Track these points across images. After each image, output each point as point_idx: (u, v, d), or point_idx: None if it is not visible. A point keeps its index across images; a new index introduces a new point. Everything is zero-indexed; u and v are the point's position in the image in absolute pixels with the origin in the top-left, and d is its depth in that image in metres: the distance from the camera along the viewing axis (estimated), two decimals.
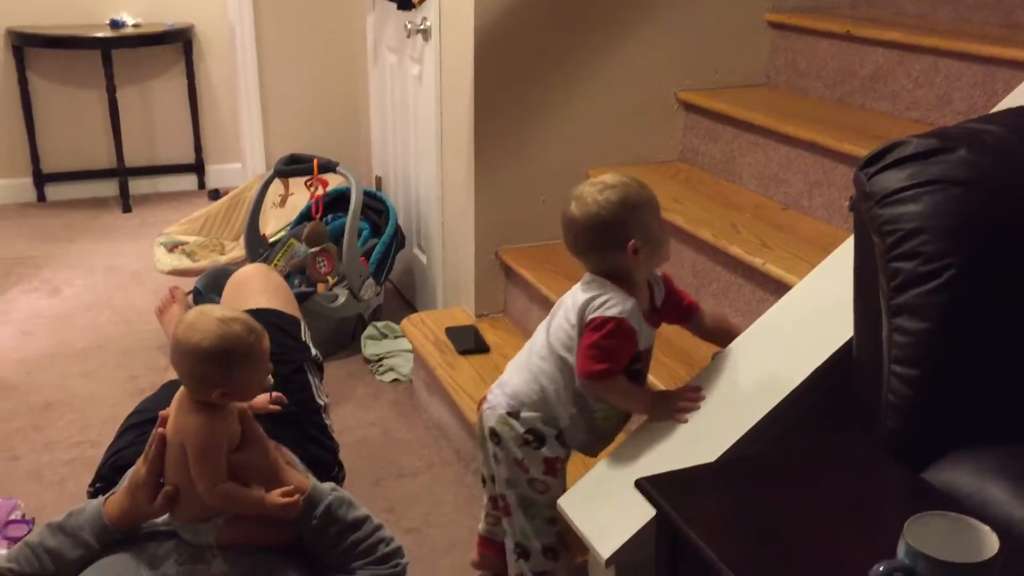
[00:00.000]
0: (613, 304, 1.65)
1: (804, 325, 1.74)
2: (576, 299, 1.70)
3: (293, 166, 3.18)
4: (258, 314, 2.30)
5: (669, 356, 2.21)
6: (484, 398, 1.83)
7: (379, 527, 1.71)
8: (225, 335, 1.51)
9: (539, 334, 1.78)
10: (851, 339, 1.59)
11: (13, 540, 2.11)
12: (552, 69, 2.70)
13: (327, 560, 1.67)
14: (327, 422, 2.22)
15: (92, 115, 4.67)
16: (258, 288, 2.40)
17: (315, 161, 3.12)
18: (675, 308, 1.82)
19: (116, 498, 1.64)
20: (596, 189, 1.65)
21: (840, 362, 1.61)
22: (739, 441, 1.56)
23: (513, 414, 1.76)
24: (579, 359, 1.67)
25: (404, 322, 2.88)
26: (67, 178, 4.76)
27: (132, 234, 4.28)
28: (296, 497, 1.55)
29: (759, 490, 1.34)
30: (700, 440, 1.61)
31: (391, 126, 3.60)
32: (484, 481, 1.94)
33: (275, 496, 1.53)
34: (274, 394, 1.72)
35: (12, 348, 3.18)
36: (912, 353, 1.42)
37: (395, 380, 2.97)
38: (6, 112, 4.58)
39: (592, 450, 1.83)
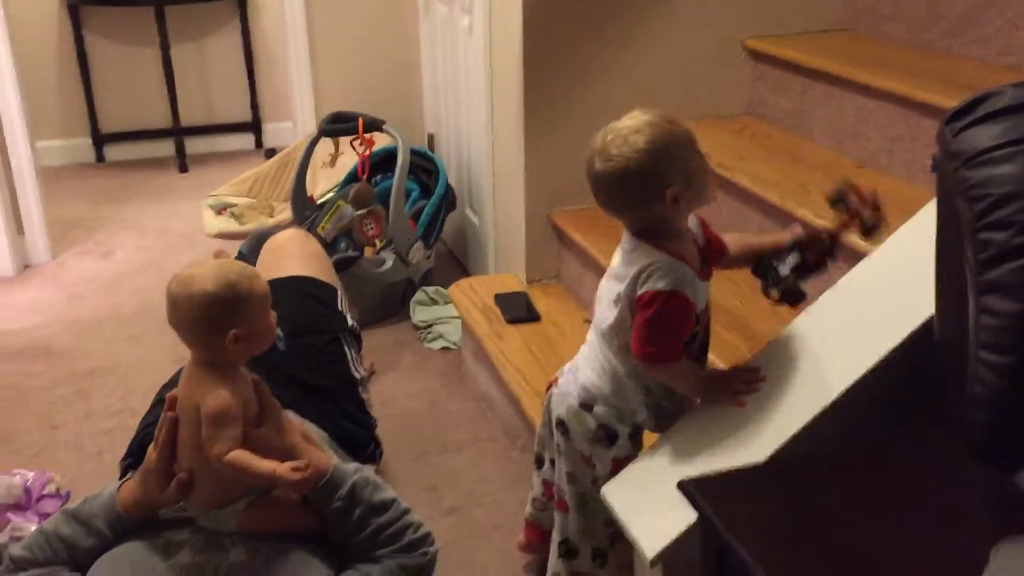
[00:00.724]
0: (661, 274, 1.47)
1: (877, 301, 1.55)
2: (622, 273, 1.53)
3: (338, 125, 3.06)
4: (292, 282, 2.22)
5: (728, 328, 2.03)
6: (555, 379, 1.69)
7: (406, 511, 1.60)
8: (223, 274, 1.45)
9: (596, 318, 1.63)
10: (931, 319, 1.40)
11: (44, 516, 2.06)
12: (608, 17, 2.51)
13: (351, 547, 1.58)
14: (364, 396, 2.12)
15: (149, 74, 4.61)
16: (294, 254, 2.30)
17: (360, 119, 2.99)
18: (714, 254, 1.62)
19: (130, 485, 1.57)
20: (620, 137, 1.45)
21: (917, 345, 1.42)
22: (796, 436, 1.38)
23: (586, 406, 1.61)
24: (632, 340, 1.51)
25: (452, 288, 2.75)
26: (125, 138, 4.73)
27: (188, 195, 4.22)
28: (309, 471, 1.43)
29: (816, 495, 1.18)
30: (754, 431, 1.45)
31: (442, 81, 3.44)
32: (538, 462, 1.80)
33: (286, 469, 1.42)
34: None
35: (62, 312, 3.15)
36: (1003, 338, 1.22)
37: (444, 348, 2.85)
38: (63, 72, 4.56)
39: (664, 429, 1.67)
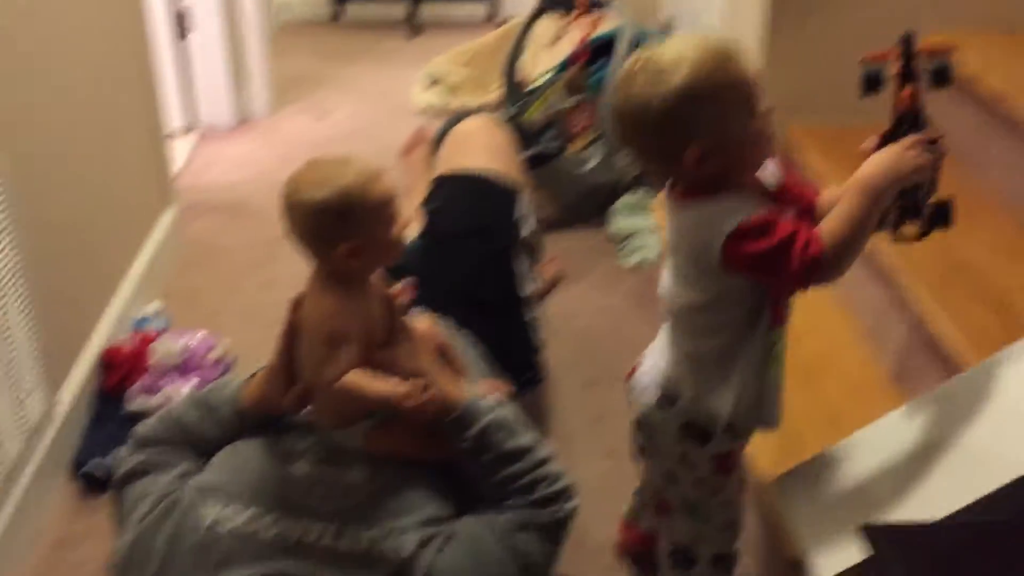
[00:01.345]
0: (735, 207, 1.12)
1: None
2: (676, 242, 1.21)
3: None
4: (469, 178, 2.01)
5: (976, 300, 1.64)
6: (635, 367, 1.39)
7: (542, 462, 1.39)
8: (333, 177, 1.26)
9: (666, 301, 1.29)
10: None
11: (205, 381, 2.03)
12: None
13: (481, 488, 1.40)
14: (531, 316, 1.91)
15: None
16: (479, 145, 2.10)
17: None
18: (798, 210, 1.20)
19: (255, 381, 1.46)
20: (651, 70, 1.10)
21: None
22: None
23: (666, 401, 1.31)
24: (785, 279, 1.13)
25: (659, 197, 2.46)
26: None
27: (413, 62, 4.09)
28: (427, 396, 1.27)
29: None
30: (952, 470, 1.10)
31: None
32: (641, 451, 1.46)
33: (402, 392, 1.27)
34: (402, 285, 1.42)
35: (269, 172, 3.14)
36: None
37: (641, 263, 2.59)
38: None
39: (774, 415, 1.30)
